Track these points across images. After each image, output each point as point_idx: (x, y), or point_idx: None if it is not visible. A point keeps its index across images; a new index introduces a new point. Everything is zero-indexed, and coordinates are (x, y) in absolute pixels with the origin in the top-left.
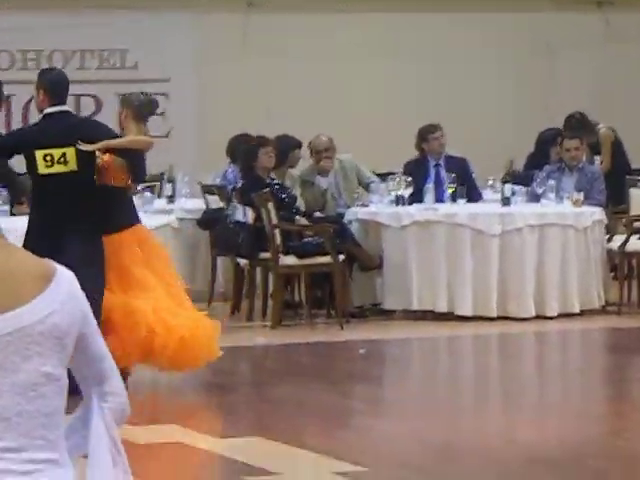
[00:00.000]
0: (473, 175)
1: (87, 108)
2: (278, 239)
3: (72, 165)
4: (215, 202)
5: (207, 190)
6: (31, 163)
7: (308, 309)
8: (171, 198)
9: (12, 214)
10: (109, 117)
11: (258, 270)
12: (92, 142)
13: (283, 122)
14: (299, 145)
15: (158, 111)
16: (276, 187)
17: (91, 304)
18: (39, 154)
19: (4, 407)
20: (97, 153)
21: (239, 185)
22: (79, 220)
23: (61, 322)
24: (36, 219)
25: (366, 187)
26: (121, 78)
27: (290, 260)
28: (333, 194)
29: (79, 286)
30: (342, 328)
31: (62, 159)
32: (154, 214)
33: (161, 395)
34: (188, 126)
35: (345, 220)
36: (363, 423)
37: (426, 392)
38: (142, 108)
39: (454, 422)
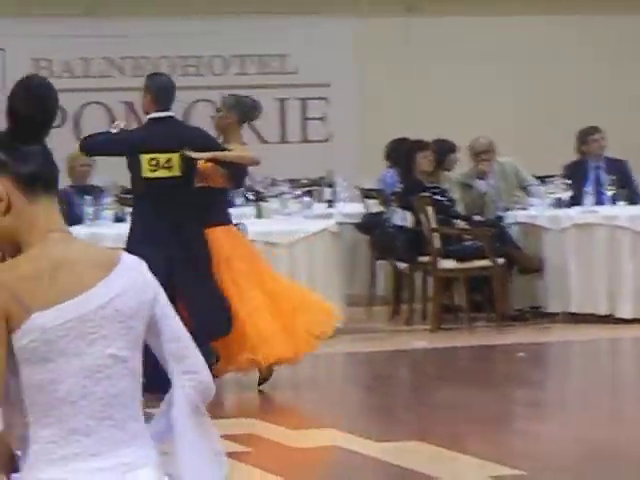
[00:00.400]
0: (633, 177)
1: None
2: (437, 243)
3: (176, 170)
4: (374, 206)
5: (366, 194)
6: (135, 166)
7: (467, 312)
8: (331, 202)
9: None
10: (269, 122)
11: (417, 274)
12: (198, 150)
13: (442, 125)
14: (455, 148)
15: (318, 116)
16: (435, 190)
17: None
18: (145, 158)
19: (69, 392)
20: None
21: (398, 189)
22: (180, 222)
23: (123, 306)
24: (139, 221)
25: (525, 190)
26: (281, 83)
27: (449, 264)
28: (492, 197)
29: (146, 270)
30: (501, 331)
31: (167, 164)
32: (313, 219)
33: (319, 399)
34: (348, 130)
35: (504, 223)
36: (523, 427)
37: (586, 395)
38: (249, 113)
39: (614, 426)
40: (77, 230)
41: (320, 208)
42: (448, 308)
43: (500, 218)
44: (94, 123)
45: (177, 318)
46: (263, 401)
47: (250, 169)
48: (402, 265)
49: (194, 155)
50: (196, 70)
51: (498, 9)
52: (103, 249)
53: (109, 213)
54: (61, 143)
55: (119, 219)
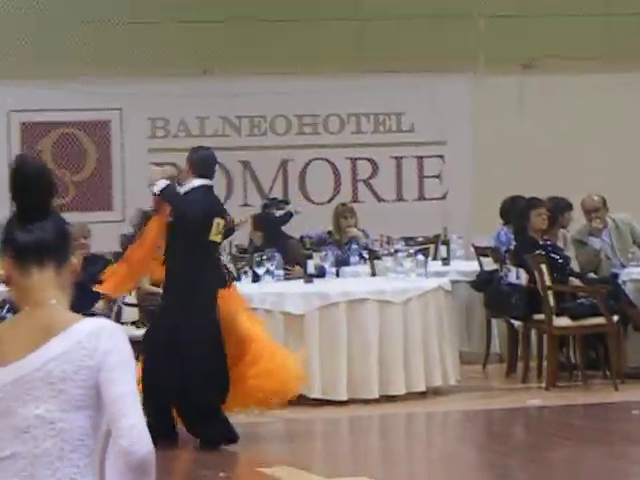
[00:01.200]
0: None
1: (364, 171)
2: (551, 300)
3: (221, 234)
4: (489, 264)
5: (481, 252)
6: (202, 229)
7: (583, 370)
8: (445, 260)
9: (286, 277)
10: (385, 181)
11: (532, 331)
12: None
13: (557, 182)
14: (570, 206)
15: (434, 173)
16: (549, 248)
17: None
18: (217, 222)
19: (0, 448)
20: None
21: (512, 247)
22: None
23: (56, 370)
24: (200, 280)
25: None
26: (397, 141)
27: (564, 321)
28: (607, 254)
29: (106, 336)
30: (617, 389)
31: (222, 228)
32: (428, 277)
33: (432, 456)
34: (463, 188)
35: (619, 280)
36: None
37: None
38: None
39: None
40: None
41: (435, 266)
42: (563, 365)
43: (615, 275)
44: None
45: (124, 381)
46: (374, 458)
47: (366, 227)
48: (517, 323)
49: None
50: (312, 129)
51: (611, 66)
52: (61, 316)
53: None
54: None
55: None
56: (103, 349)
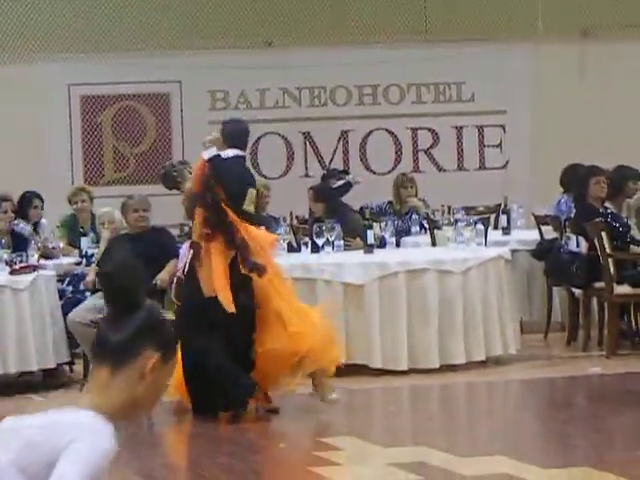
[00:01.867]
0: None
1: (424, 141)
2: (612, 268)
3: (254, 204)
4: (549, 232)
5: (541, 221)
6: (237, 199)
7: None
8: (506, 230)
9: (345, 248)
10: (446, 150)
11: (593, 299)
12: None
13: (621, 152)
14: (637, 176)
15: (495, 143)
16: (609, 216)
17: None
18: (251, 192)
19: None
20: None
21: (572, 215)
22: None
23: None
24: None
25: None
26: (457, 111)
27: (624, 289)
28: None
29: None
30: None
31: (254, 198)
32: (488, 246)
33: (492, 425)
34: (524, 157)
35: None
36: None
37: None
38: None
39: None
40: None
41: (496, 235)
42: (624, 333)
43: None
44: (271, 154)
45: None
46: (435, 428)
47: (427, 197)
48: (577, 291)
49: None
50: (372, 99)
51: None
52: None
53: (283, 243)
54: None
55: (292, 249)
56: (46, 451)
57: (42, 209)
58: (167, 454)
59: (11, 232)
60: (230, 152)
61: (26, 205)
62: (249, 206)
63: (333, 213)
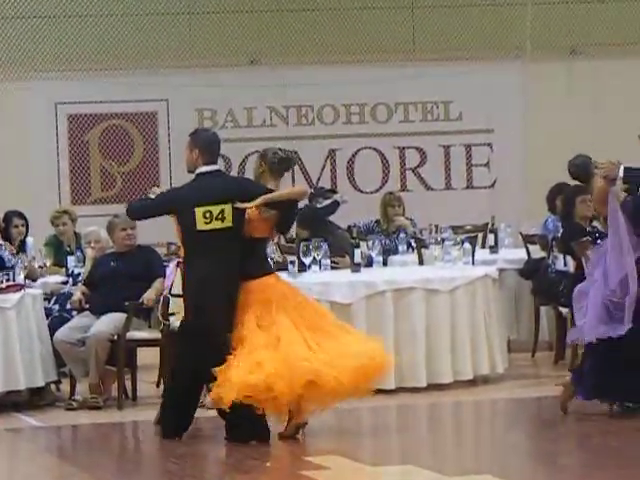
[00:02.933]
0: None
1: (412, 160)
2: None
3: (228, 221)
4: (537, 252)
5: (529, 240)
6: (188, 219)
7: None
8: (493, 248)
9: (332, 267)
10: (434, 169)
11: None
12: (248, 199)
13: None
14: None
15: (482, 162)
16: (596, 235)
17: None
18: (199, 211)
19: None
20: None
21: (559, 234)
22: (233, 271)
23: None
24: (194, 273)
25: None
26: (445, 130)
27: None
28: None
29: None
30: None
31: (220, 215)
32: (475, 265)
33: (479, 444)
34: (512, 176)
35: None
36: None
37: None
38: (278, 165)
39: None
40: None
41: (483, 254)
42: None
43: None
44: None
45: None
46: (422, 447)
47: (414, 216)
48: (565, 310)
49: (246, 205)
50: (359, 118)
51: None
52: None
53: (270, 262)
54: None
55: (279, 268)
56: None
57: (26, 227)
58: (153, 474)
59: None
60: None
61: (8, 224)
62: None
63: (320, 234)
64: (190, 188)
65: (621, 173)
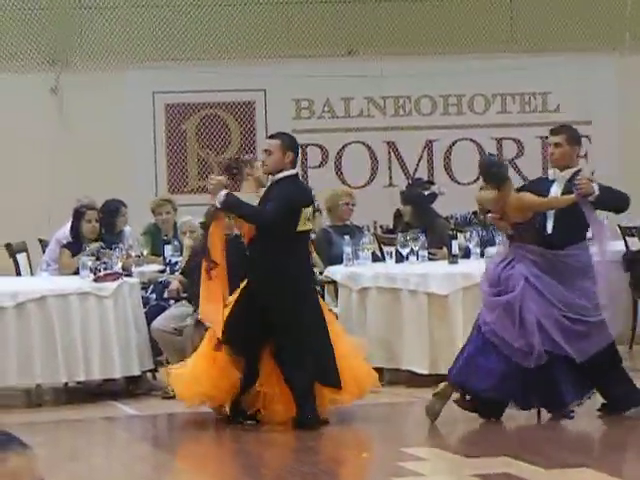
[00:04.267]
0: None
1: (509, 151)
2: None
3: (311, 222)
4: (635, 244)
5: (627, 232)
6: (293, 219)
7: None
8: (590, 240)
9: (430, 259)
10: (531, 161)
11: None
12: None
13: None
14: None
15: (580, 153)
16: None
17: None
18: (305, 212)
19: None
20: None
21: None
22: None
23: None
24: (293, 271)
25: None
26: (542, 121)
27: None
28: None
29: None
30: None
31: (311, 217)
32: None
33: (576, 437)
34: (610, 168)
35: None
36: None
37: None
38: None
39: None
40: (336, 269)
41: None
42: None
43: None
44: (355, 163)
45: None
46: (517, 439)
47: None
48: None
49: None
50: (457, 109)
51: None
52: None
53: (367, 253)
54: (323, 182)
55: (376, 259)
56: None
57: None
58: (249, 464)
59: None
60: (283, 174)
61: (114, 214)
62: (304, 226)
63: (421, 218)
64: (298, 189)
65: (597, 191)
